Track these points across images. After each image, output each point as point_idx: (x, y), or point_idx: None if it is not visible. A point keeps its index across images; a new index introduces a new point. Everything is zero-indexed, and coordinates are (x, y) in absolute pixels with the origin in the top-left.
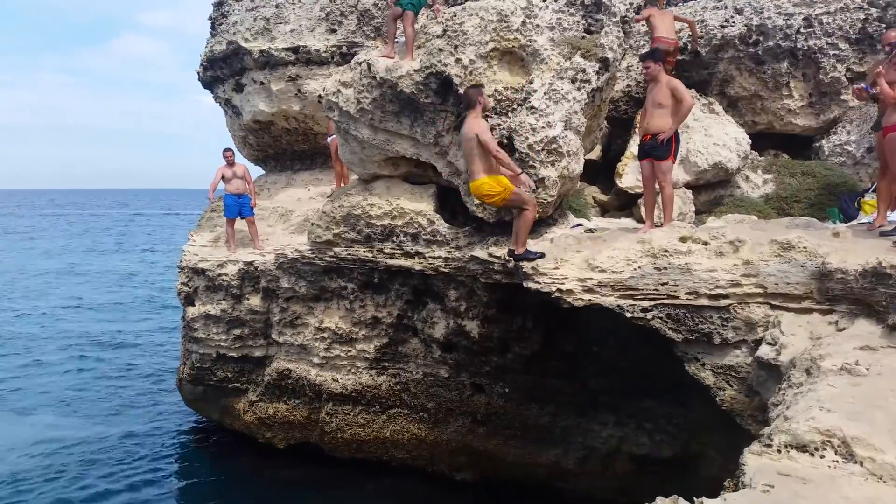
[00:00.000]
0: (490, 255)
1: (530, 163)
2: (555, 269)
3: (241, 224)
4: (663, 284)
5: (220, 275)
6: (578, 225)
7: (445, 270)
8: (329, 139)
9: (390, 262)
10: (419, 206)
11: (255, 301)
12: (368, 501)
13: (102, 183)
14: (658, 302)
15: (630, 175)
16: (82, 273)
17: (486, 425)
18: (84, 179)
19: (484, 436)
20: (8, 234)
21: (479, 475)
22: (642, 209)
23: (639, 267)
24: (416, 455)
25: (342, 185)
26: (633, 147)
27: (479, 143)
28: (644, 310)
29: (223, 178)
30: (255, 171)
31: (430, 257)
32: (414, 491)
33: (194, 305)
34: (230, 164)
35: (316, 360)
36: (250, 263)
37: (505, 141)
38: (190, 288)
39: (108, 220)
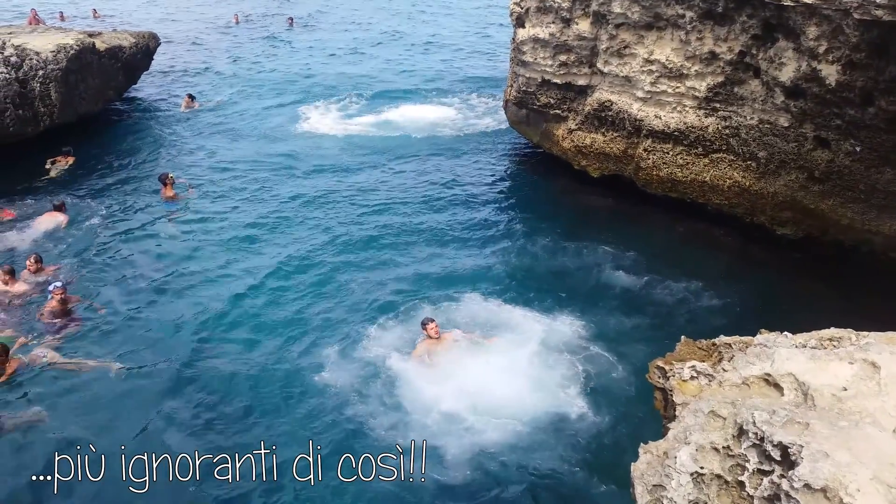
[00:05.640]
0: None
1: None
2: None
3: None
4: None
5: None
6: None
7: (808, 1)
8: None
9: None
10: None
11: (583, 26)
12: (677, 243)
13: None
14: None
15: None
16: None
17: (823, 183)
18: None
19: (819, 194)
20: None
21: (803, 233)
22: None
23: None
24: (735, 203)
25: None
26: None
27: None
28: None
29: None
30: None
31: None
32: (726, 241)
33: (524, 27)
34: None
35: (640, 93)
36: None
37: None
38: (522, 8)
39: None
